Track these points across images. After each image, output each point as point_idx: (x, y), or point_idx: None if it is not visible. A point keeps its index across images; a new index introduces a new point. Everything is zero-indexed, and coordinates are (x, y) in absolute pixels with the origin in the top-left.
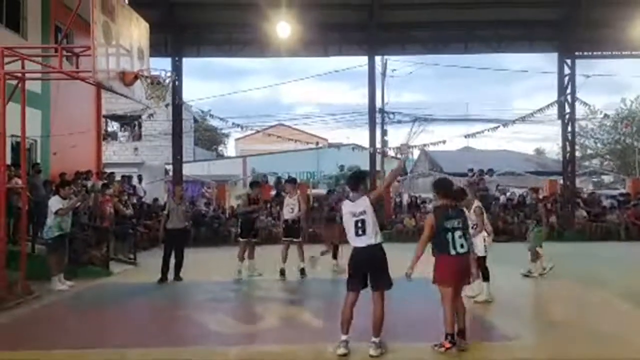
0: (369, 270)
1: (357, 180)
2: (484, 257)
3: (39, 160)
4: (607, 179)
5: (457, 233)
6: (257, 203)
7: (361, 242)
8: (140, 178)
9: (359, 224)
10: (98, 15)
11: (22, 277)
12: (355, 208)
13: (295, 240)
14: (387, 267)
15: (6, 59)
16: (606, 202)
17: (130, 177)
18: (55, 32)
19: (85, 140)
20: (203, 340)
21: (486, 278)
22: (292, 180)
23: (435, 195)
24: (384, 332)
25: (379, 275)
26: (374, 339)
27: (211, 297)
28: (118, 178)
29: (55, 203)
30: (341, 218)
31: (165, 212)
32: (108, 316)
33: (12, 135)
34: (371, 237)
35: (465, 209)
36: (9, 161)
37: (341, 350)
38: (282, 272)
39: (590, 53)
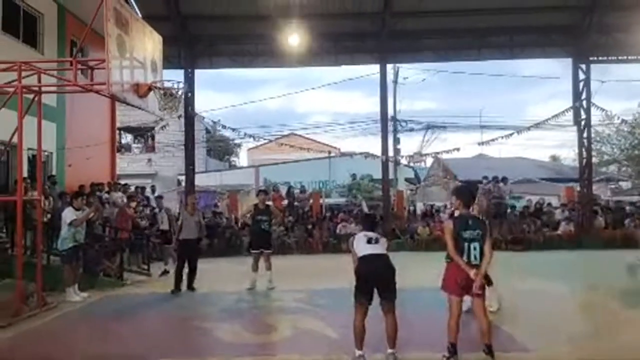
0: (379, 279)
1: (374, 223)
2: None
3: (54, 173)
4: (625, 185)
5: (473, 244)
6: (272, 212)
7: (374, 249)
8: (153, 189)
9: (372, 239)
10: (112, 28)
11: (38, 288)
12: (371, 235)
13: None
14: (395, 278)
15: (23, 73)
16: (626, 209)
17: (143, 188)
18: (71, 47)
19: (99, 152)
20: (217, 350)
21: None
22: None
23: (455, 201)
24: (398, 343)
25: (389, 286)
26: (390, 351)
27: (224, 308)
28: (131, 189)
29: (69, 214)
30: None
31: (179, 222)
32: (122, 327)
33: (29, 149)
34: (383, 249)
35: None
36: (25, 174)
37: None
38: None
39: (605, 58)
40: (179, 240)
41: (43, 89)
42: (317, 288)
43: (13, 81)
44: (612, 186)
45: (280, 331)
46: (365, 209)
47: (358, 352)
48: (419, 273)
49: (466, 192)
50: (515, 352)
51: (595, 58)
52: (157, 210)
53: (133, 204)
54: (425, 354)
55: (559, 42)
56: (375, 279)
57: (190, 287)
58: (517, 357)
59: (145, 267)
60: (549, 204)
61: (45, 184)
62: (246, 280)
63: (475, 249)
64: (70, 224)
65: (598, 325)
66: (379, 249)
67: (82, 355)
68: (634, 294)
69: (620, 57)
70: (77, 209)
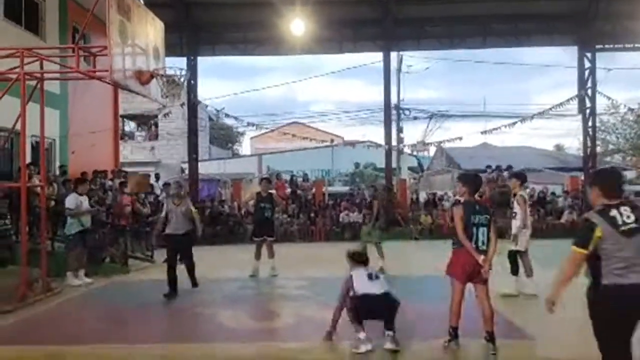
0: (380, 317)
1: (367, 260)
2: (519, 252)
3: (57, 160)
4: (629, 174)
5: (482, 229)
6: (275, 200)
7: (375, 288)
8: (157, 176)
9: (373, 275)
10: (114, 15)
11: (43, 274)
12: (370, 270)
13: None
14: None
15: (25, 60)
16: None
17: (148, 176)
18: (73, 33)
19: (102, 139)
20: (220, 336)
21: (514, 272)
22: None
23: (461, 187)
24: (400, 330)
25: (391, 320)
26: (388, 332)
27: (227, 295)
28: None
29: (71, 199)
30: None
31: (162, 214)
32: (126, 313)
33: (32, 136)
34: (385, 284)
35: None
36: (28, 161)
37: (366, 347)
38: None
39: (611, 46)
40: (166, 235)
41: (45, 75)
42: (319, 276)
43: (15, 68)
44: None
45: (282, 318)
46: (368, 196)
47: (362, 334)
48: (422, 261)
49: (473, 179)
50: (516, 340)
51: (601, 46)
52: (161, 197)
53: (127, 190)
54: (428, 342)
55: (564, 29)
56: (378, 318)
57: (194, 283)
58: (519, 344)
59: (149, 253)
60: (553, 193)
61: (50, 171)
62: (249, 267)
63: (483, 234)
64: (68, 209)
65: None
66: (381, 286)
67: (86, 339)
68: None
69: (626, 45)
70: (80, 194)
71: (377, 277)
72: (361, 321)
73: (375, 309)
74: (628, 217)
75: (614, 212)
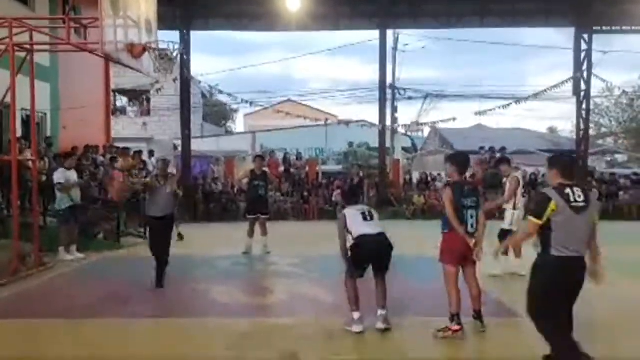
0: (379, 260)
1: (358, 194)
2: (509, 231)
3: (49, 134)
4: (620, 158)
5: (471, 212)
6: (269, 178)
7: (371, 227)
8: (151, 153)
9: (367, 215)
10: None
11: (35, 249)
12: (362, 209)
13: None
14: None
15: (14, 30)
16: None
17: (140, 152)
18: (63, 4)
19: (94, 114)
20: (213, 312)
21: (504, 253)
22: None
23: (449, 168)
24: (392, 309)
25: (386, 264)
26: (381, 312)
27: (220, 271)
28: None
29: (58, 174)
30: None
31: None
32: (117, 288)
33: (23, 109)
34: (380, 226)
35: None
36: (19, 134)
37: (358, 328)
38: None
39: (608, 28)
40: (148, 217)
41: (35, 47)
42: (312, 254)
43: (4, 39)
44: (608, 159)
45: (275, 295)
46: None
47: (357, 315)
48: (414, 241)
49: (461, 158)
50: (504, 318)
51: (599, 28)
52: (154, 173)
53: (117, 165)
54: (420, 318)
55: (562, 10)
56: (374, 260)
57: (160, 283)
58: (506, 322)
59: (142, 230)
60: (544, 175)
61: (40, 145)
62: (242, 245)
63: (472, 216)
64: (58, 184)
65: (584, 290)
66: (375, 226)
67: (78, 314)
68: (622, 262)
69: (624, 27)
70: (67, 169)
71: (371, 218)
72: (357, 272)
73: (372, 252)
74: (579, 196)
75: (568, 191)
